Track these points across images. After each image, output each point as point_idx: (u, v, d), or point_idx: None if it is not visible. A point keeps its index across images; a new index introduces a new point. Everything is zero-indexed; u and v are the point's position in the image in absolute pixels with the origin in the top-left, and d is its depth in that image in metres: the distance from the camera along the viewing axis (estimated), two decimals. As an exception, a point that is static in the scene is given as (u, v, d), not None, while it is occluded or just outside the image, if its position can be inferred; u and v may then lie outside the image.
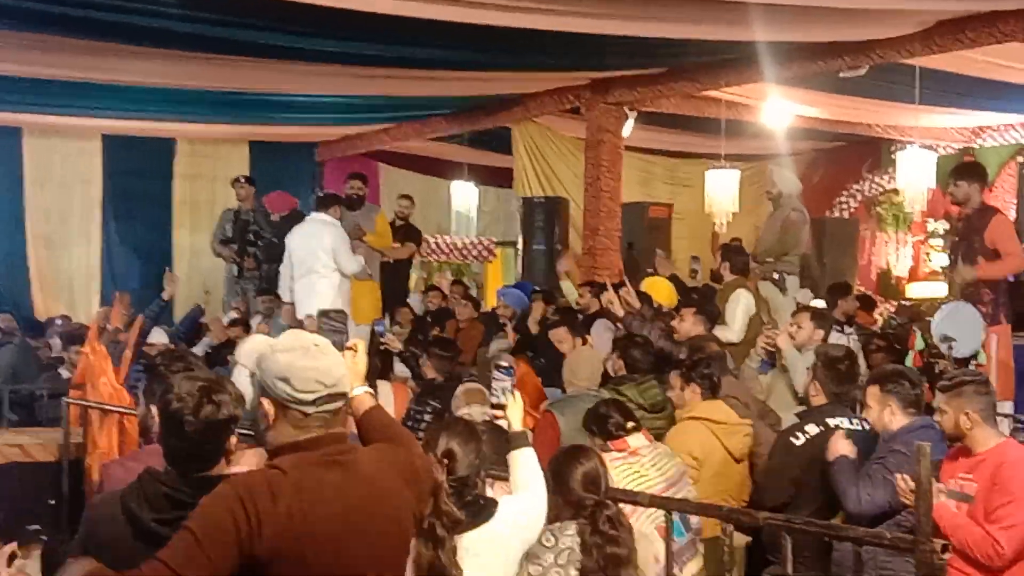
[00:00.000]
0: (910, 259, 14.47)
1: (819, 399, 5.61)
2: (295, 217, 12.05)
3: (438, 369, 7.72)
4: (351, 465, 2.89)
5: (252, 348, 3.00)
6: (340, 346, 3.35)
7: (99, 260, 14.14)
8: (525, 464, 4.06)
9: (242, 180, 12.53)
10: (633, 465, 5.13)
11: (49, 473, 7.27)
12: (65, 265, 14.06)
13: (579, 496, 4.16)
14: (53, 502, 7.32)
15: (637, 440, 5.28)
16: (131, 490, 3.30)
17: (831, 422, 5.39)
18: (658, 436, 6.03)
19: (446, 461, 3.70)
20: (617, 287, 8.28)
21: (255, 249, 12.17)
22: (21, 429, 8.40)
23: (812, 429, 5.41)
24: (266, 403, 2.87)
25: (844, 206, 14.87)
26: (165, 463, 3.30)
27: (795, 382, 6.73)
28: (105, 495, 3.40)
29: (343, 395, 2.93)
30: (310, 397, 2.84)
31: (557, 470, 4.24)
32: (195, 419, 3.23)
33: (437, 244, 13.88)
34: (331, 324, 5.25)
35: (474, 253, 14.22)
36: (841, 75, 9.53)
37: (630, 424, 5.33)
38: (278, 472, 2.74)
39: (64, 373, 9.96)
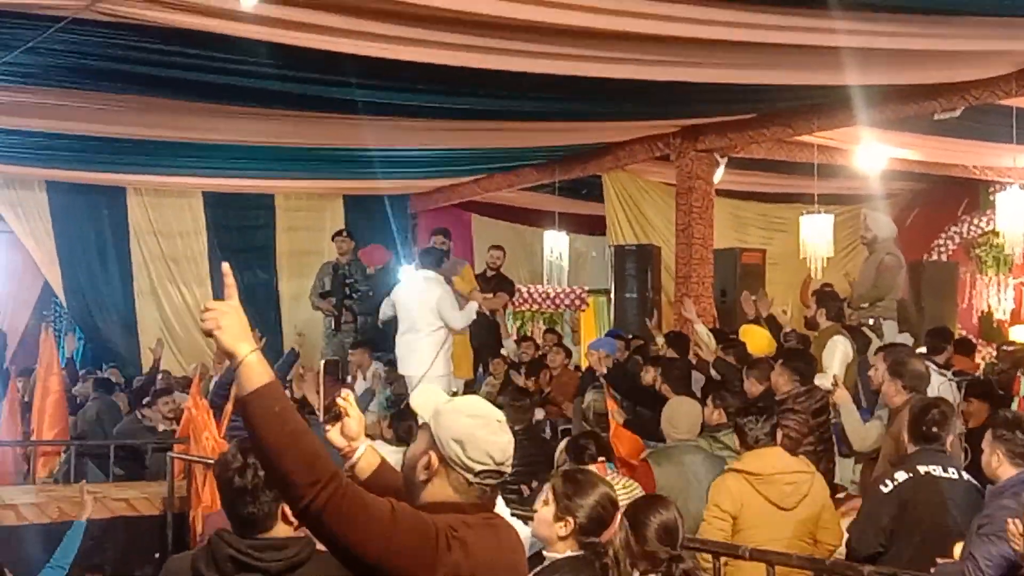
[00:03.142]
0: (1012, 301, 14.18)
1: (912, 447, 5.50)
2: (390, 270, 12.20)
3: (513, 420, 7.71)
4: (500, 530, 2.91)
5: (429, 399, 2.99)
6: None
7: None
8: None
9: (344, 234, 12.75)
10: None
11: (155, 526, 7.41)
12: (173, 317, 14.35)
13: (654, 548, 4.12)
14: (158, 555, 7.45)
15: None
16: (202, 551, 3.30)
17: (922, 469, 5.29)
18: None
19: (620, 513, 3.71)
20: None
21: (351, 302, 12.34)
22: (127, 483, 8.58)
23: (901, 476, 5.31)
24: (433, 456, 2.85)
25: (942, 248, 14.63)
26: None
27: (849, 434, 6.64)
28: (180, 556, 3.45)
29: (503, 474, 2.92)
30: (477, 468, 2.83)
31: (634, 519, 4.20)
32: (234, 483, 3.23)
33: (530, 293, 13.91)
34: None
35: (567, 302, 14.20)
36: (936, 117, 9.42)
37: (601, 458, 5.82)
38: (449, 527, 2.73)
39: (160, 426, 10.17)
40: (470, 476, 2.84)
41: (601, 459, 6.13)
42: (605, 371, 8.74)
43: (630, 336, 11.06)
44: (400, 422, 7.64)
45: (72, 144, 11.32)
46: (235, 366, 2.60)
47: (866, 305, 9.81)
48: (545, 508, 3.96)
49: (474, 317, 10.27)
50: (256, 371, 2.58)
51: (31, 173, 13.09)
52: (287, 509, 3.26)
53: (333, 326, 12.49)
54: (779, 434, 5.93)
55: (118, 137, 11.03)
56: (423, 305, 9.75)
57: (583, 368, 11.24)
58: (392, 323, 10.31)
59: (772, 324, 9.84)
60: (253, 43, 7.57)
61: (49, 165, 12.62)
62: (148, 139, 11.19)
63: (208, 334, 2.63)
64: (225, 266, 2.79)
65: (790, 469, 5.85)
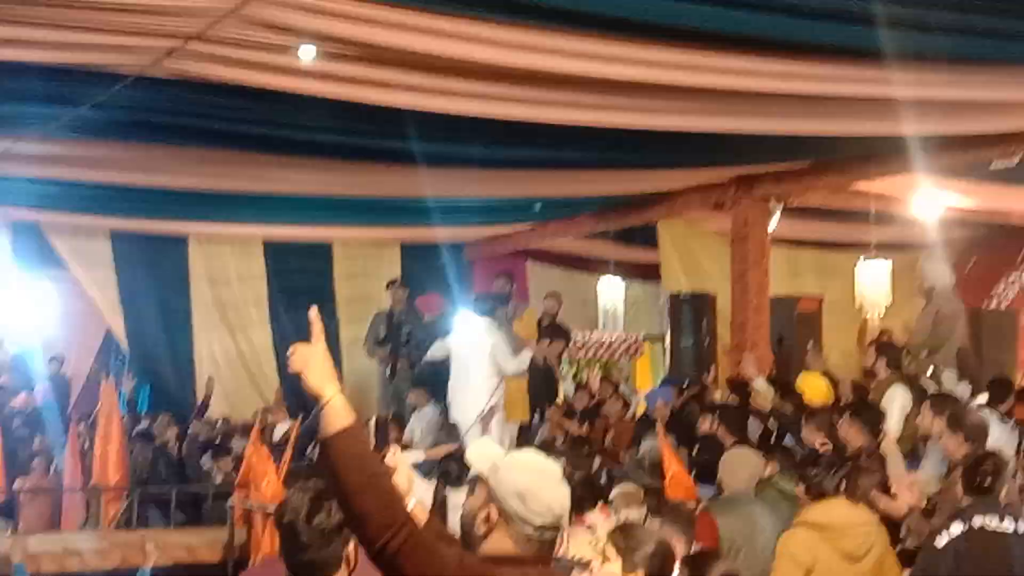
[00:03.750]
0: (1073, 350, 13.97)
1: (967, 500, 5.46)
2: (446, 318, 12.28)
3: (574, 467, 7.75)
4: None
5: (486, 452, 3.04)
6: None
7: (271, 354, 14.55)
8: None
9: (397, 283, 12.87)
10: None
11: (215, 573, 7.47)
12: (232, 364, 14.50)
13: None
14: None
15: (594, 517, 5.75)
16: None
17: (977, 522, 5.24)
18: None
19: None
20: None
21: (408, 350, 12.43)
22: (187, 529, 8.66)
23: (956, 529, 5.26)
24: (493, 511, 2.89)
25: (1002, 296, 14.46)
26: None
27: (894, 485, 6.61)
28: None
29: (562, 527, 2.97)
30: (538, 521, 2.86)
31: (696, 569, 4.21)
32: (309, 527, 3.25)
33: (585, 340, 13.93)
34: None
35: (622, 349, 14.21)
36: (992, 166, 9.37)
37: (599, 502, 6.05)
38: None
39: (218, 477, 10.26)
40: (530, 530, 2.87)
41: (600, 503, 6.13)
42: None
43: (686, 384, 11.02)
44: (449, 463, 7.77)
45: (136, 195, 11.55)
46: (320, 407, 2.68)
47: (924, 355, 9.73)
48: (609, 564, 3.99)
49: (527, 364, 10.30)
50: (339, 413, 2.67)
51: (96, 223, 13.32)
52: (350, 553, 3.32)
53: (389, 374, 12.58)
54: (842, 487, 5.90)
55: (181, 189, 11.25)
56: (477, 352, 9.83)
57: (638, 416, 11.20)
58: (440, 363, 10.38)
59: (828, 379, 9.78)
60: (313, 97, 7.72)
61: (113, 215, 12.86)
62: (210, 190, 11.40)
63: (297, 375, 2.71)
64: (313, 311, 2.86)
65: (859, 520, 5.84)
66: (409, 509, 3.20)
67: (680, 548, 5.47)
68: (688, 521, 5.82)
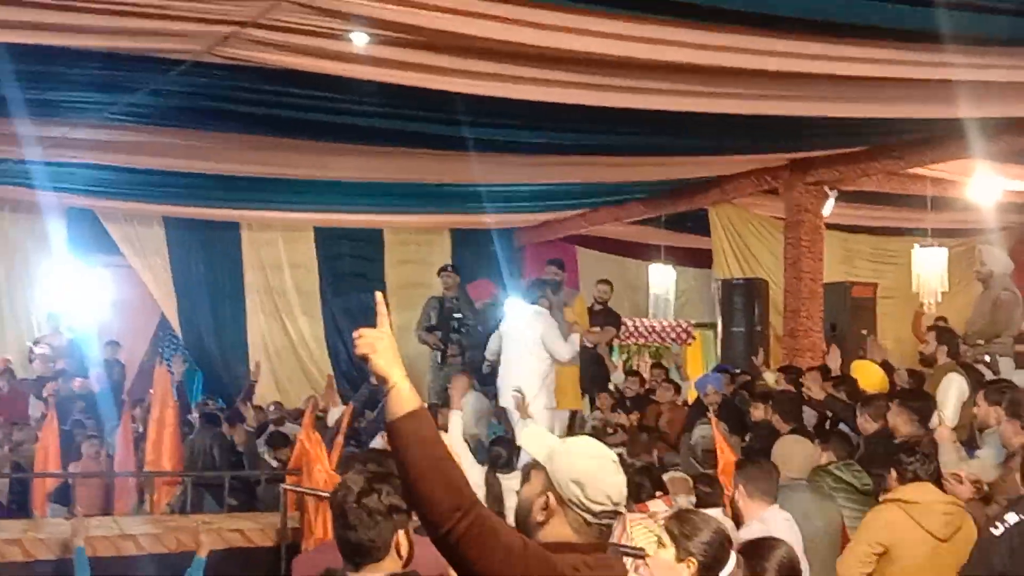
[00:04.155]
0: None
1: (1024, 489, 5.38)
2: (497, 304, 12.28)
3: (633, 455, 7.76)
4: (616, 570, 2.95)
5: (542, 440, 3.01)
6: None
7: (322, 340, 14.66)
8: None
9: (449, 269, 12.90)
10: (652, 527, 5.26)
11: (270, 558, 7.51)
12: (284, 349, 14.60)
13: None
14: (274, 587, 7.55)
15: (656, 505, 5.84)
16: None
17: (1035, 511, 5.15)
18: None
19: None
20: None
21: (459, 336, 12.45)
22: (240, 514, 8.72)
23: (1012, 518, 5.15)
24: (552, 498, 2.88)
25: (1061, 282, 14.24)
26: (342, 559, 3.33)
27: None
28: None
29: (620, 514, 2.96)
30: (597, 508, 2.85)
31: (751, 557, 4.16)
32: (357, 506, 3.25)
33: (635, 327, 13.87)
34: None
35: (672, 335, 14.14)
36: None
37: (658, 492, 6.10)
38: (572, 567, 2.75)
39: (272, 463, 10.31)
40: (589, 516, 2.85)
41: (659, 493, 6.10)
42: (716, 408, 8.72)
43: (737, 371, 10.95)
44: (498, 448, 7.78)
45: (188, 181, 11.65)
46: (387, 391, 2.66)
47: (982, 342, 9.61)
48: (663, 551, 3.95)
49: (577, 349, 10.28)
50: (406, 397, 2.64)
51: (149, 209, 13.48)
52: (401, 540, 3.31)
53: (440, 359, 12.61)
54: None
55: (233, 175, 11.32)
56: (528, 338, 9.81)
57: (690, 403, 11.15)
58: (497, 355, 10.39)
59: (886, 369, 9.67)
60: (364, 83, 7.73)
61: (166, 201, 12.99)
62: (262, 176, 11.47)
63: (364, 359, 2.69)
64: (378, 296, 2.87)
65: (946, 500, 5.79)
66: None
67: (745, 499, 5.56)
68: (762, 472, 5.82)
